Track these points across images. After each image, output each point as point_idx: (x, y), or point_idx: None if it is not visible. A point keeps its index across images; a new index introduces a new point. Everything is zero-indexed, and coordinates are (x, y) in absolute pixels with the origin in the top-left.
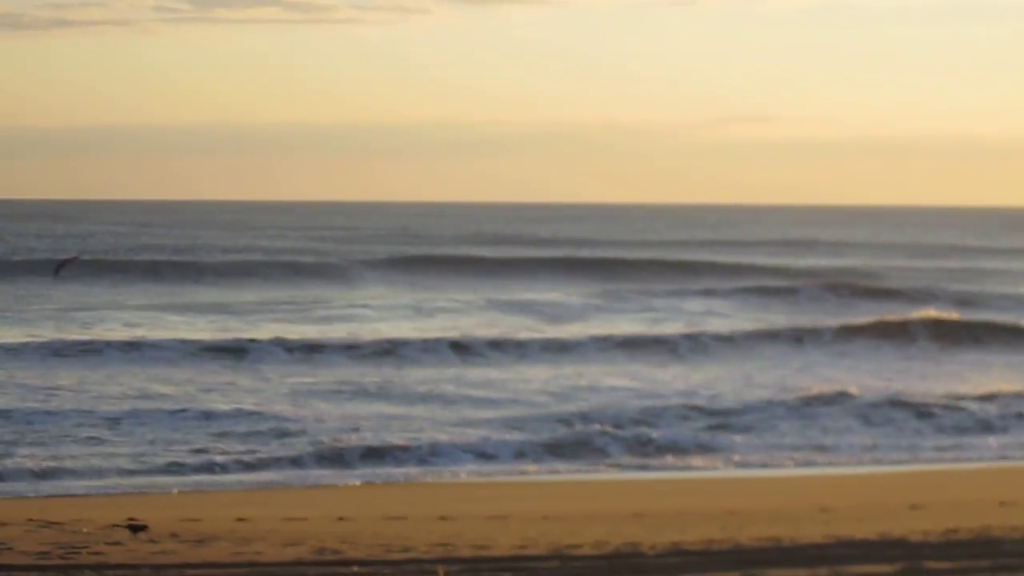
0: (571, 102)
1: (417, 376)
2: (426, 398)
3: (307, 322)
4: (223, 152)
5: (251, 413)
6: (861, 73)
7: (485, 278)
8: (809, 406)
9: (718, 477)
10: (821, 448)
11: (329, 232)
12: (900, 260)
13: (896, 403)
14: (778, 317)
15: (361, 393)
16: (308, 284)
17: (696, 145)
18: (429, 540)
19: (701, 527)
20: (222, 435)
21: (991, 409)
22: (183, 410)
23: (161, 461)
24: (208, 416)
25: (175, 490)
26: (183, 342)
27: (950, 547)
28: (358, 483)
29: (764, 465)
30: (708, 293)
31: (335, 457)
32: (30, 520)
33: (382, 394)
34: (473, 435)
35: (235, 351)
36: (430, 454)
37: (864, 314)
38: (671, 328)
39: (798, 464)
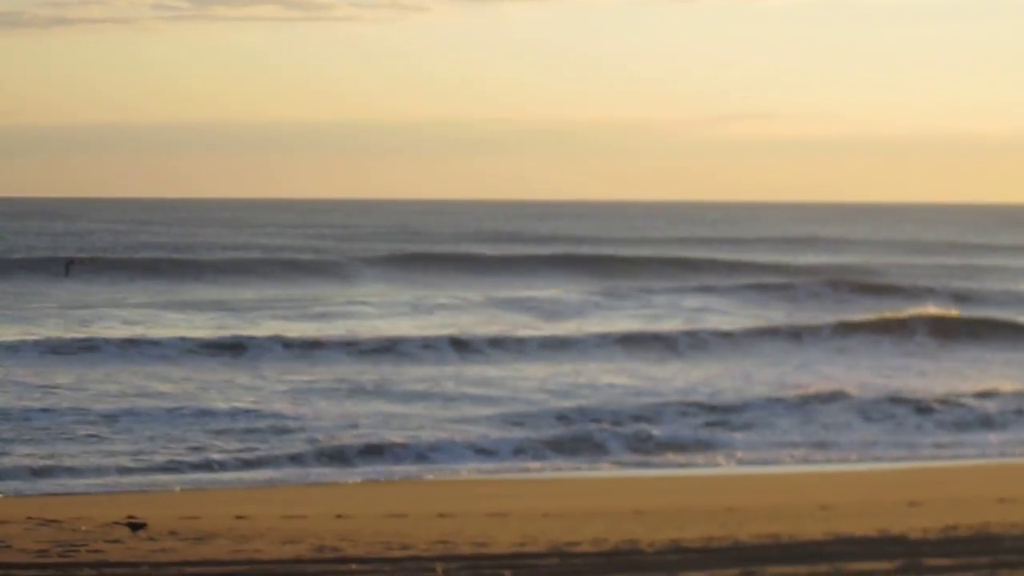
0: (571, 100)
1: (416, 373)
2: (425, 395)
3: (306, 320)
4: (222, 150)
5: (250, 411)
6: (861, 70)
7: (484, 275)
8: (808, 403)
9: (717, 474)
10: (820, 445)
11: (328, 230)
12: (900, 257)
13: (895, 400)
14: (778, 314)
15: (360, 390)
16: (307, 282)
17: (696, 142)
18: (428, 538)
19: (700, 524)
20: (221, 433)
21: (990, 406)
22: (182, 408)
23: (160, 459)
24: (207, 414)
25: (175, 488)
26: (182, 340)
27: (949, 544)
28: (357, 481)
29: (763, 462)
30: (708, 290)
31: (334, 455)
32: (29, 518)
33: (381, 391)
34: (472, 432)
35: (234, 349)
36: (430, 451)
37: (864, 311)
38: (670, 325)
39: (797, 461)
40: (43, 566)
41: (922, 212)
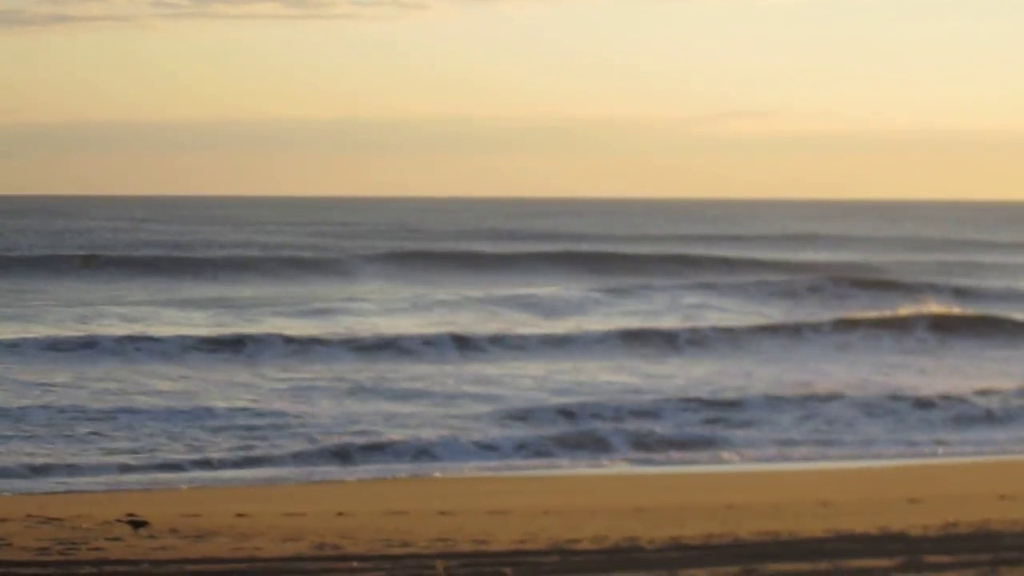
0: (570, 97)
1: (416, 371)
2: (425, 393)
3: (306, 317)
4: (222, 148)
5: (250, 408)
6: (860, 68)
7: (485, 273)
8: (809, 400)
9: (717, 471)
10: (820, 442)
11: (328, 227)
12: (900, 254)
13: (896, 397)
14: (778, 311)
15: (360, 388)
16: (307, 279)
17: (697, 140)
18: (429, 535)
19: (700, 521)
20: (221, 430)
21: (991, 402)
22: (182, 405)
23: (160, 457)
24: (207, 411)
25: (176, 486)
26: (182, 337)
27: (950, 541)
28: (358, 479)
29: (764, 459)
30: (708, 287)
31: (335, 453)
32: (29, 516)
33: (381, 389)
34: (473, 430)
35: (234, 346)
36: (430, 449)
37: (864, 308)
38: (671, 322)
39: (798, 458)
40: (44, 564)
41: (922, 209)
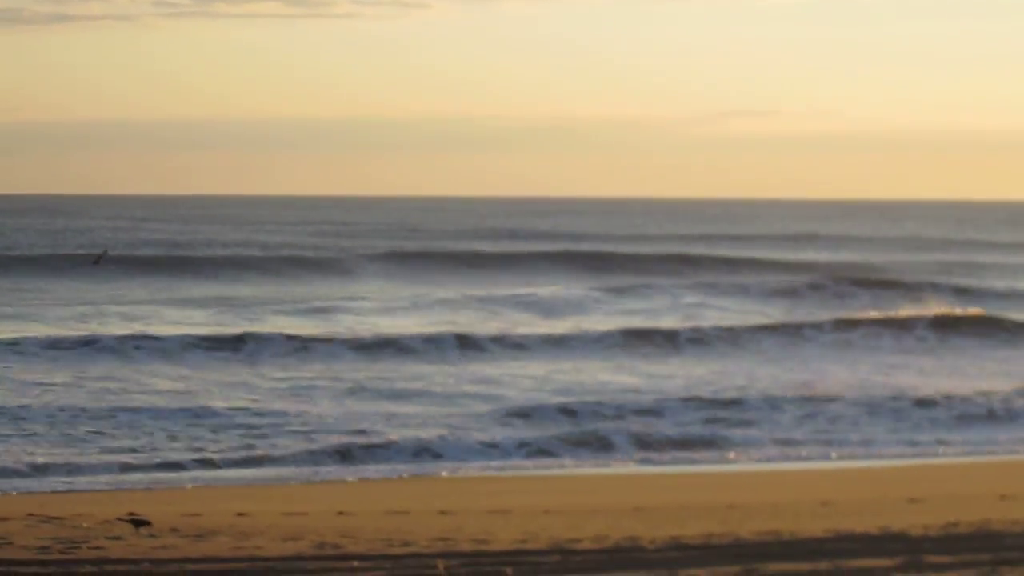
0: (571, 97)
1: (417, 370)
2: (426, 392)
3: (306, 316)
4: (223, 147)
5: (250, 408)
6: (861, 67)
7: (485, 272)
8: (809, 400)
9: (718, 471)
10: (821, 442)
11: (329, 227)
12: (900, 254)
13: (896, 397)
14: (778, 311)
15: (361, 387)
16: (308, 279)
17: (697, 139)
18: (429, 534)
19: (701, 521)
20: (221, 430)
21: (991, 402)
22: (182, 405)
23: (160, 456)
24: (207, 411)
25: (176, 485)
26: (182, 336)
27: (950, 541)
28: (358, 478)
29: (764, 459)
30: (708, 287)
31: (335, 452)
32: (30, 515)
33: (382, 388)
34: (473, 429)
35: (235, 345)
36: (431, 448)
37: (864, 308)
38: (671, 322)
39: (798, 458)
40: (44, 563)
41: (922, 209)
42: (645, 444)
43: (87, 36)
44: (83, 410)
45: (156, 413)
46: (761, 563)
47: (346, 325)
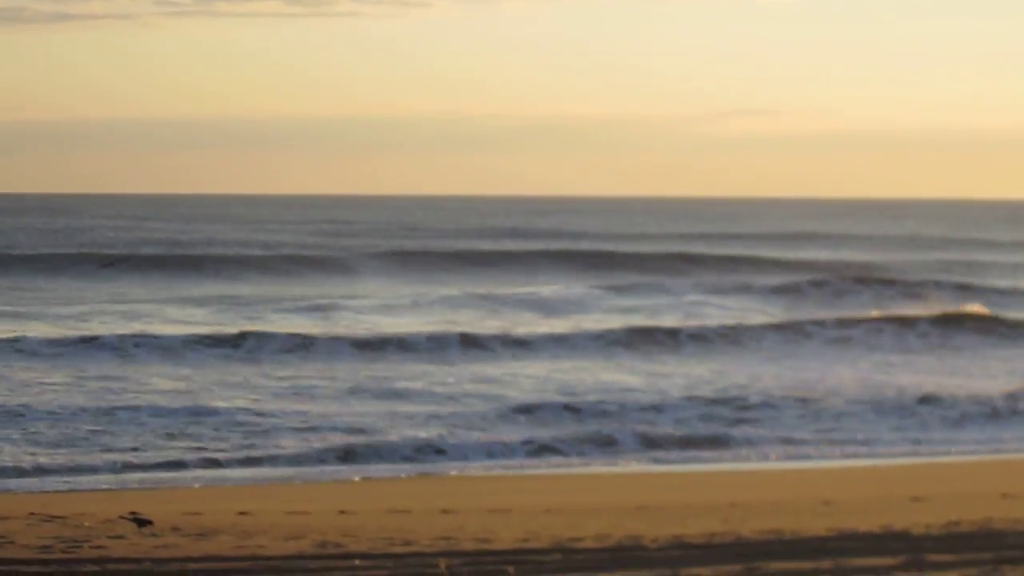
0: (571, 96)
1: (419, 369)
2: (427, 391)
3: (307, 315)
4: (223, 146)
5: (251, 406)
6: (861, 66)
7: (486, 271)
8: (810, 398)
9: (720, 470)
10: (823, 440)
11: (329, 226)
12: (902, 252)
13: (898, 395)
14: (779, 309)
15: (362, 387)
16: (308, 277)
17: (697, 139)
18: (431, 533)
19: (703, 520)
20: (222, 428)
21: (993, 401)
22: (183, 403)
23: (161, 455)
24: (208, 410)
25: (178, 484)
26: (183, 336)
27: (952, 540)
28: (360, 477)
29: (766, 457)
30: (709, 285)
31: (337, 451)
32: (32, 514)
33: (383, 388)
34: (475, 428)
35: (235, 344)
36: (432, 447)
37: (866, 306)
38: (673, 320)
39: (800, 457)
40: (46, 562)
41: (923, 207)
42: (647, 443)
43: (88, 35)
44: (84, 409)
45: (157, 412)
46: (763, 562)
47: (347, 324)
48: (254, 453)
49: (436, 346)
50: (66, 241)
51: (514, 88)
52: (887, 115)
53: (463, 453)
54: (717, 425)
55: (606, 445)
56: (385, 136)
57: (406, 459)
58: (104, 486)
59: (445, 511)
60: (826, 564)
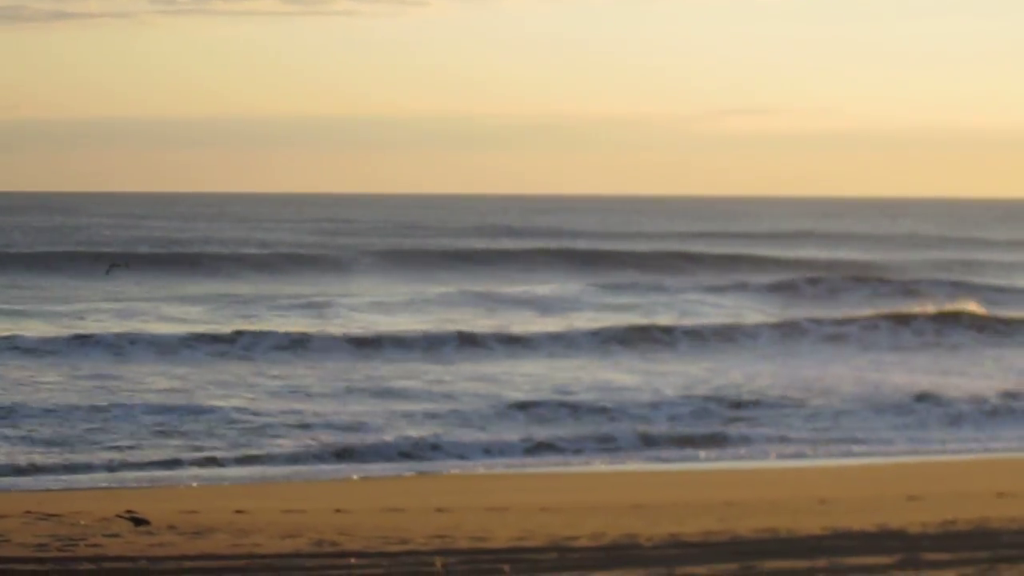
0: (570, 94)
1: (415, 367)
2: (424, 389)
3: (304, 314)
4: (221, 144)
5: (247, 405)
6: (860, 65)
7: (483, 270)
8: (807, 397)
9: (716, 468)
10: (819, 439)
11: (327, 224)
12: (898, 251)
13: (894, 394)
14: (777, 308)
15: (359, 385)
16: (306, 276)
17: (696, 138)
18: (427, 532)
19: (699, 518)
20: (219, 427)
21: (989, 400)
22: (179, 402)
23: (158, 454)
24: (205, 408)
25: (174, 483)
26: (179, 334)
27: (948, 538)
28: (356, 475)
29: (762, 456)
30: (707, 284)
31: (333, 449)
32: (28, 512)
33: (380, 385)
34: (472, 426)
35: (232, 342)
36: (428, 445)
37: (862, 305)
38: (669, 319)
39: (796, 455)
40: (42, 560)
41: (921, 206)
42: (643, 441)
43: (86, 34)
44: (80, 407)
45: (152, 410)
46: (759, 560)
47: (344, 322)
48: (250, 452)
49: (433, 344)
50: (63, 239)
51: (512, 87)
52: (886, 114)
53: (459, 451)
54: (713, 424)
55: (602, 443)
56: (382, 135)
57: (402, 457)
58: (100, 484)
59: (441, 509)
60: (822, 563)
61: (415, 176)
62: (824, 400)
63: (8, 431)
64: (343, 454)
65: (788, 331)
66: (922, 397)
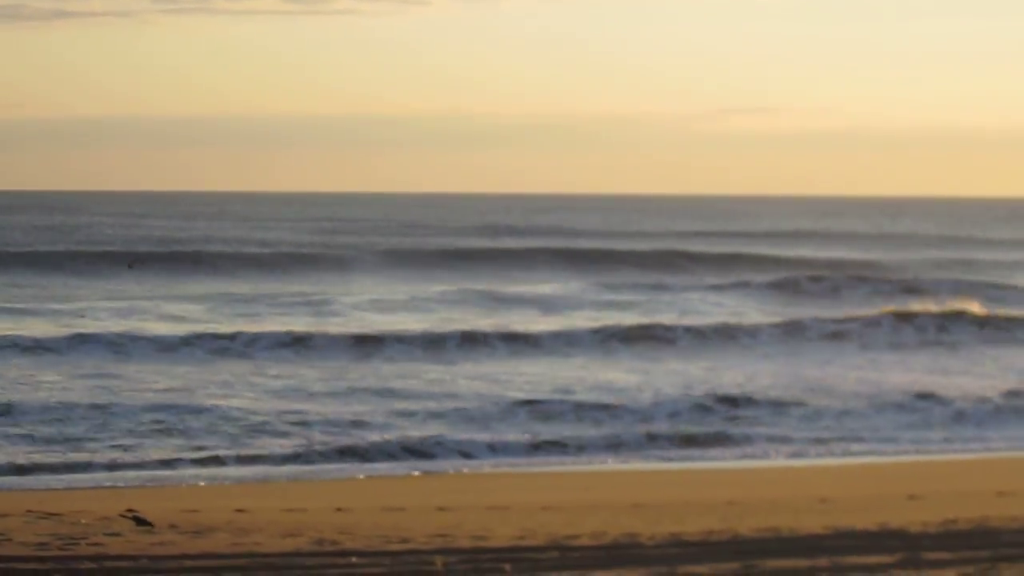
0: (571, 93)
1: (415, 366)
2: (424, 388)
3: (306, 314)
4: (222, 143)
5: (249, 404)
6: (862, 65)
7: (484, 269)
8: (808, 396)
9: (717, 467)
10: (819, 438)
11: (327, 223)
12: (899, 250)
13: (895, 393)
14: (777, 307)
15: (359, 383)
16: (306, 275)
17: (697, 136)
18: (428, 531)
19: (700, 518)
20: (219, 426)
21: (990, 399)
22: (179, 401)
23: (158, 453)
24: (205, 407)
25: (175, 482)
26: (179, 333)
27: (949, 538)
28: (356, 475)
29: (763, 455)
30: (708, 284)
31: (334, 448)
32: (29, 511)
33: (380, 384)
34: (472, 425)
35: (232, 341)
36: (429, 445)
37: (863, 304)
38: (670, 318)
39: (797, 454)
40: (43, 559)
41: (922, 205)
42: (644, 440)
43: (87, 32)
44: (80, 406)
45: (153, 409)
46: (760, 560)
47: (344, 321)
48: (251, 450)
49: (434, 343)
50: (63, 238)
51: (513, 86)
52: (888, 114)
53: (460, 450)
54: (714, 422)
55: (603, 442)
56: (383, 134)
57: (403, 456)
58: (101, 483)
59: (442, 508)
60: (823, 562)
61: (416, 175)
62: (825, 399)
63: (9, 429)
64: (344, 453)
65: (789, 330)
66: (923, 396)
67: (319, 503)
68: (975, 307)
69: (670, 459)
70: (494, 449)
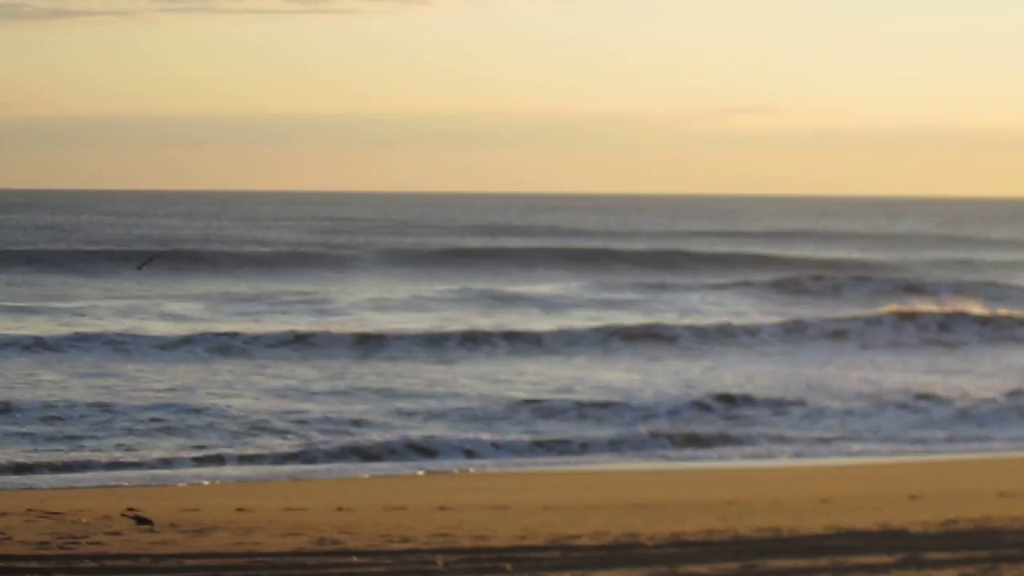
0: (570, 93)
1: (415, 366)
2: (425, 388)
3: (307, 313)
4: (222, 142)
5: (249, 403)
6: (862, 64)
7: (484, 268)
8: (809, 396)
9: (718, 467)
10: (820, 438)
11: (328, 223)
12: (900, 250)
13: (896, 393)
14: (780, 307)
15: (360, 383)
16: (307, 275)
17: (696, 136)
18: (429, 530)
19: (701, 518)
20: (219, 425)
21: (991, 399)
22: (179, 400)
23: (159, 452)
24: (205, 406)
25: (176, 481)
26: (179, 332)
27: (950, 538)
28: (357, 474)
29: (763, 455)
30: (709, 284)
31: (334, 447)
32: (29, 510)
33: (381, 384)
34: (473, 425)
35: (232, 341)
36: (430, 444)
37: (864, 304)
38: (670, 318)
39: (798, 454)
40: (44, 558)
41: (922, 205)
42: (644, 440)
43: (87, 31)
44: (81, 405)
45: (154, 408)
46: (761, 560)
47: (345, 320)
48: (251, 449)
49: (435, 342)
50: (63, 237)
51: (513, 85)
52: (888, 113)
53: (460, 450)
54: (715, 422)
55: (604, 442)
56: (384, 133)
57: (403, 455)
58: (101, 482)
59: (443, 508)
60: (823, 562)
61: (416, 174)
62: (826, 399)
63: (9, 428)
64: (344, 452)
65: (790, 329)
66: (923, 396)
67: (320, 502)
68: (976, 307)
69: (670, 459)
70: (494, 448)
